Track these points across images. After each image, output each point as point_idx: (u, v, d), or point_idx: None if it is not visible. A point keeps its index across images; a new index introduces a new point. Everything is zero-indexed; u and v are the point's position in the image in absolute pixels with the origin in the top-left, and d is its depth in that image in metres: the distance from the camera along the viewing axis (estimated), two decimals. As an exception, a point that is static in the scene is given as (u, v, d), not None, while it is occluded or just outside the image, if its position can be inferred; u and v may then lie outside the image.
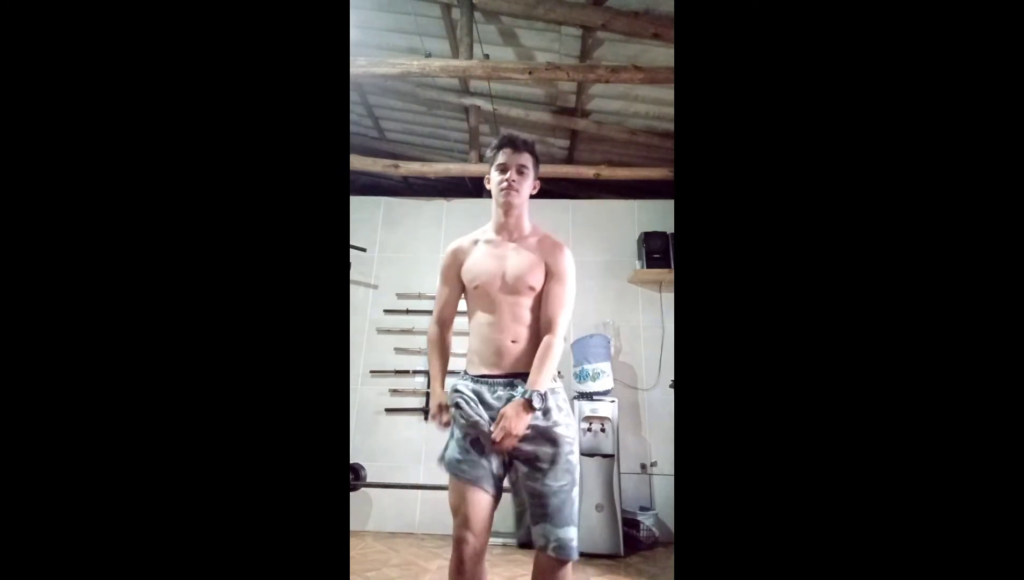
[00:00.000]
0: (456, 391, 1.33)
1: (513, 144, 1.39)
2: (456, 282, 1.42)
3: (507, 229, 1.40)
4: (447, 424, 1.35)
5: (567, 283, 1.36)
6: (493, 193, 1.40)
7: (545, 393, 1.26)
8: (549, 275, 1.35)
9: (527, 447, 1.26)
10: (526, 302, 1.34)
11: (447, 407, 1.34)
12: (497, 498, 1.29)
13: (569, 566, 1.23)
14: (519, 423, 1.22)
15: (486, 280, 1.35)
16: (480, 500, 1.25)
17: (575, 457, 1.29)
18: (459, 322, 1.48)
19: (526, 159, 1.38)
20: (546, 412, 1.28)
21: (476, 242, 1.43)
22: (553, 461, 1.25)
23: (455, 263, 1.42)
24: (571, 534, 1.22)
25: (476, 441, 1.28)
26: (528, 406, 1.24)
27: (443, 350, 1.44)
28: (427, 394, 3.46)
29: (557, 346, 1.31)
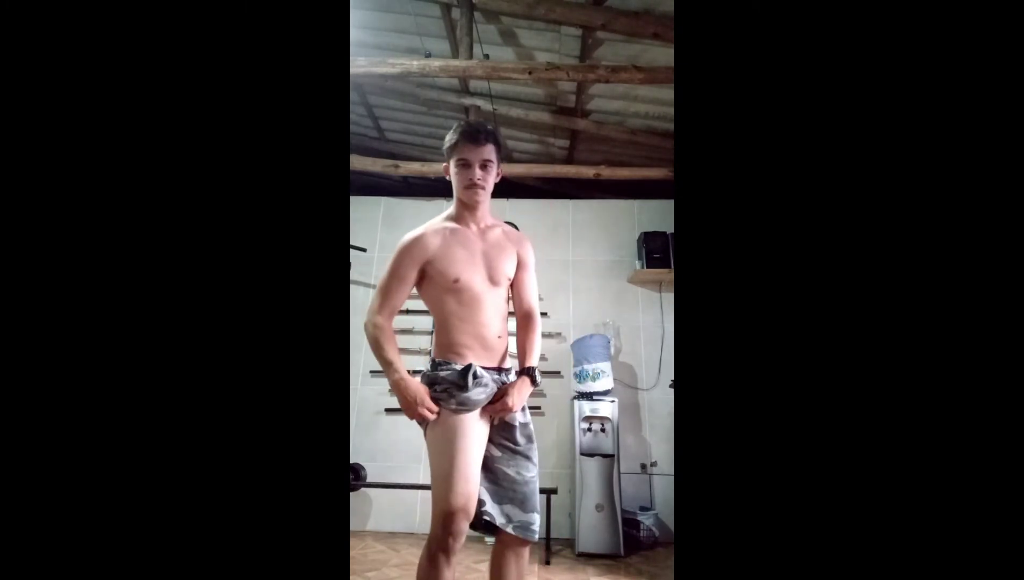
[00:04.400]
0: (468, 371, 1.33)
1: (475, 137, 1.31)
2: (415, 275, 1.34)
3: (473, 220, 1.38)
4: (433, 411, 1.28)
5: (533, 269, 1.44)
6: (456, 187, 1.35)
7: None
8: (520, 265, 1.42)
9: (507, 435, 1.34)
10: (503, 293, 1.39)
11: (434, 390, 1.29)
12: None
13: (527, 549, 1.34)
14: (522, 396, 1.32)
15: (468, 276, 1.32)
16: (479, 434, 1.28)
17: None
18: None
19: (490, 152, 1.32)
20: (523, 409, 1.37)
21: (437, 233, 1.34)
22: (527, 455, 1.35)
23: (419, 256, 1.32)
24: (534, 519, 1.31)
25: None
26: (532, 380, 1.34)
27: (395, 342, 1.35)
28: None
29: (539, 328, 1.42)
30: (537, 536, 1.31)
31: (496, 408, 1.31)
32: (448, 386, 1.28)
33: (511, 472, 1.31)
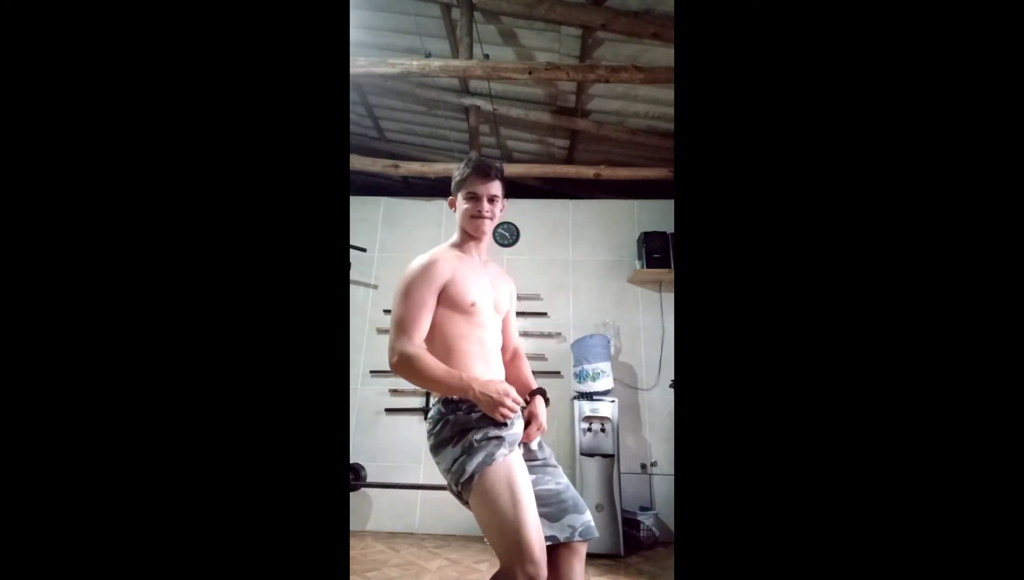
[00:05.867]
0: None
1: (485, 173, 1.34)
2: (435, 300, 1.27)
3: (477, 251, 1.40)
4: (514, 408, 1.18)
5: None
6: (462, 218, 1.36)
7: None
8: (511, 301, 1.47)
9: (528, 455, 1.32)
10: (500, 324, 1.41)
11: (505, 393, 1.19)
12: None
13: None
14: (545, 414, 1.36)
15: (482, 300, 1.31)
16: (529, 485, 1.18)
17: None
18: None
19: (497, 188, 1.35)
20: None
21: (447, 258, 1.33)
22: (552, 463, 1.35)
23: (438, 279, 1.27)
24: (589, 515, 1.30)
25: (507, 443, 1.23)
26: (546, 399, 1.38)
27: (437, 360, 1.24)
28: (426, 397, 3.46)
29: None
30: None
31: (531, 433, 1.30)
32: (487, 427, 1.19)
33: (552, 486, 1.27)
